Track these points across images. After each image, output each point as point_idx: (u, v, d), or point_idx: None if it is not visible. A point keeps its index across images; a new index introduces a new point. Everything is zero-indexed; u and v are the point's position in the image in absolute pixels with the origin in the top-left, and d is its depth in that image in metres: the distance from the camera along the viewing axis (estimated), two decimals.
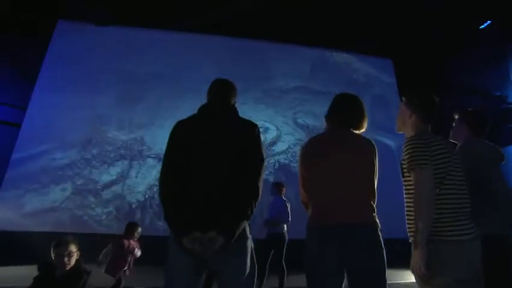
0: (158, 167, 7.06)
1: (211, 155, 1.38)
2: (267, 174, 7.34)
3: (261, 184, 1.40)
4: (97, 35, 7.80)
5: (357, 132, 1.59)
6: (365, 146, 1.50)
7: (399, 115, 1.62)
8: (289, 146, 7.70)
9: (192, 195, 1.33)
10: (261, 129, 1.51)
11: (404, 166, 1.46)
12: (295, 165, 7.52)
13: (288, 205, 4.12)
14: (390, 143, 7.90)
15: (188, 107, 7.25)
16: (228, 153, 1.38)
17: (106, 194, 6.73)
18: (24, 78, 7.12)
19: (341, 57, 8.70)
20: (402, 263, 3.36)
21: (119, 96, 7.53)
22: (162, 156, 1.50)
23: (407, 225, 1.45)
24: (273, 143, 7.61)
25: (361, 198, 1.42)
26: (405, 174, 1.46)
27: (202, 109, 1.57)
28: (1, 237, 5.70)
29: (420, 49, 7.89)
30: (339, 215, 1.37)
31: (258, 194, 1.38)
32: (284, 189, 4.29)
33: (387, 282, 1.36)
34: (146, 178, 6.93)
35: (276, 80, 8.23)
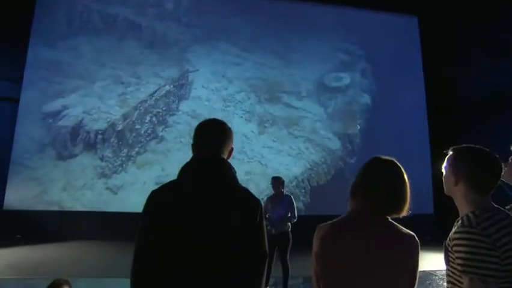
0: (176, 145, 6.80)
1: (200, 248, 1.06)
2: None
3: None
4: None
5: (395, 216, 1.15)
6: (407, 248, 1.11)
7: (445, 177, 1.19)
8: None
9: None
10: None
11: (451, 255, 1.09)
12: (315, 138, 7.30)
13: (294, 202, 3.74)
14: (410, 114, 7.58)
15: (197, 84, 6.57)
16: (223, 247, 1.08)
17: (122, 174, 6.56)
18: (14, 52, 6.37)
19: (361, 15, 7.86)
20: None
21: (118, 66, 6.88)
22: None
23: None
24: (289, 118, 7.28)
25: None
26: (451, 264, 1.11)
27: (186, 173, 1.16)
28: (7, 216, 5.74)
29: (449, 5, 7.05)
30: None
31: None
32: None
33: None
34: (166, 155, 6.72)
35: (294, 44, 7.54)
